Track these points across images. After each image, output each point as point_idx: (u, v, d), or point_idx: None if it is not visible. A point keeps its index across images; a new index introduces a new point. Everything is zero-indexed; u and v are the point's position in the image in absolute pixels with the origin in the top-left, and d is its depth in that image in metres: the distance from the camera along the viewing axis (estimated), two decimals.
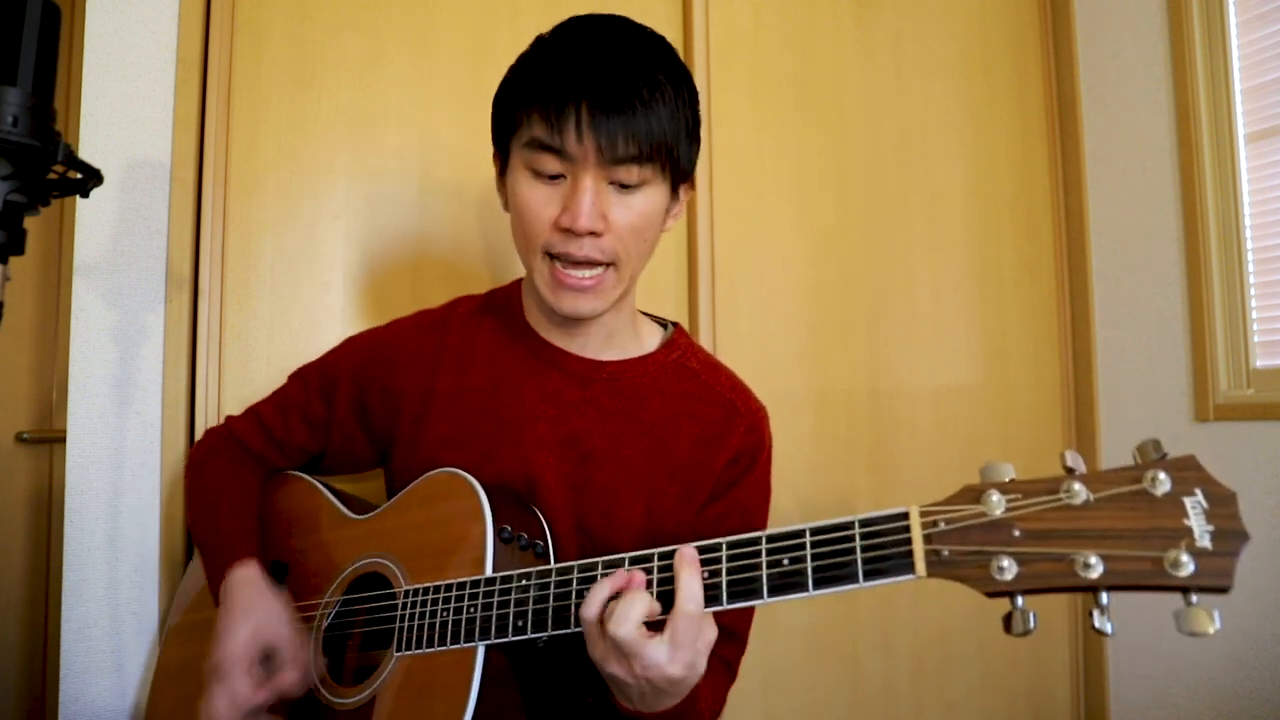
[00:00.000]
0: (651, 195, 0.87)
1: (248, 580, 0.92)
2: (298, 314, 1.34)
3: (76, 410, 1.21)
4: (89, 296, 1.22)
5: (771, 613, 1.55)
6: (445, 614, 0.83)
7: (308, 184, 1.35)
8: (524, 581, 0.79)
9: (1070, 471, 0.60)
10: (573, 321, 0.95)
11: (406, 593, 0.87)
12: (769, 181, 1.63)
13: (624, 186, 0.85)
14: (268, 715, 0.86)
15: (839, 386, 1.65)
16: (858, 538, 0.66)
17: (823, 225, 1.67)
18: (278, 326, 1.32)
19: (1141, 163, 1.76)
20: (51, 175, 0.70)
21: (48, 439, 1.92)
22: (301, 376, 1.08)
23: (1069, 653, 1.82)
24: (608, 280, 0.88)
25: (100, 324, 1.23)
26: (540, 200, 0.86)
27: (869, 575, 0.64)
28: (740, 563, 0.70)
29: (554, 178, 0.86)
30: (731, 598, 0.69)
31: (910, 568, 0.62)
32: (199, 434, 1.26)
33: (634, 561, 0.75)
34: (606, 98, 0.81)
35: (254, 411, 1.08)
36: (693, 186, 0.97)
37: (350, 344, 1.07)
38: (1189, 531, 0.55)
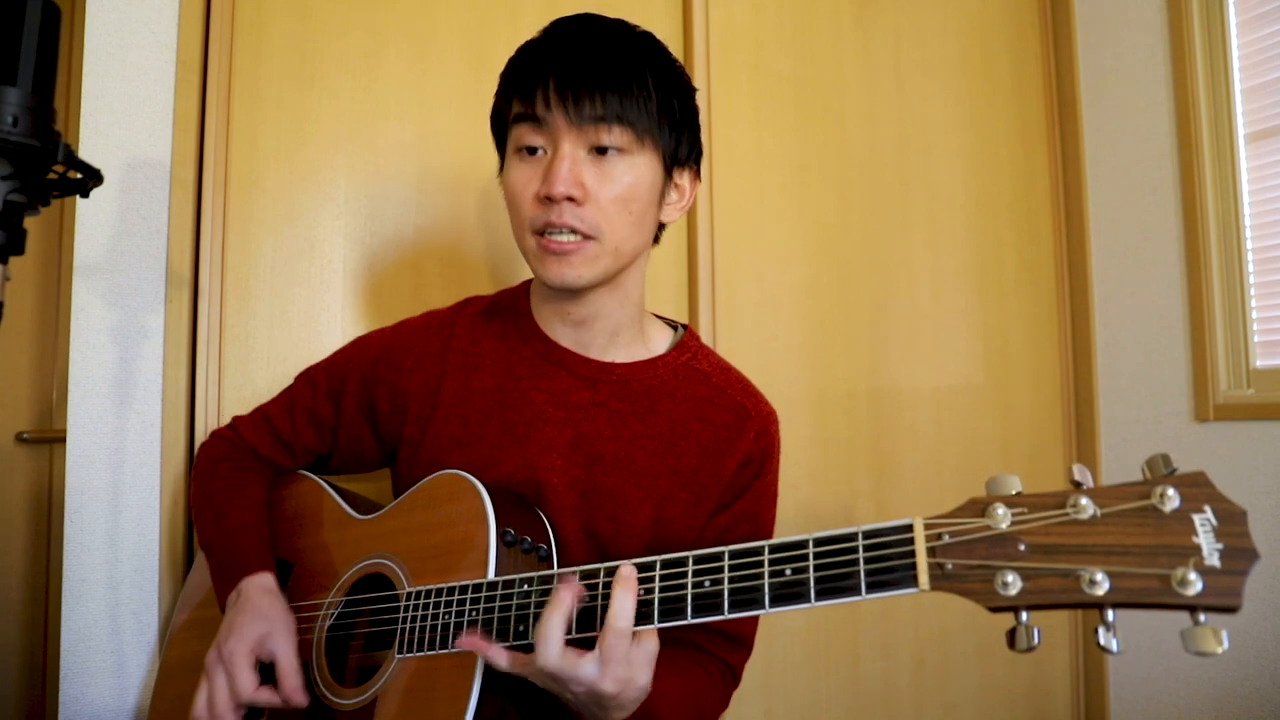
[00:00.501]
0: (634, 166, 0.88)
1: (264, 589, 0.92)
2: (298, 314, 1.33)
3: (76, 410, 1.20)
4: (89, 296, 1.22)
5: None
6: (447, 617, 0.83)
7: (308, 183, 1.35)
8: (525, 586, 0.79)
9: (1077, 486, 0.59)
10: (577, 315, 0.95)
11: (409, 595, 0.87)
12: (769, 181, 1.63)
13: (601, 151, 0.86)
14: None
15: (839, 387, 1.65)
16: (861, 549, 0.65)
17: (823, 225, 1.67)
18: (278, 326, 1.32)
19: (1141, 163, 1.76)
20: (51, 175, 0.70)
21: (48, 439, 1.92)
22: (309, 377, 1.08)
23: (1069, 653, 1.82)
24: (590, 249, 0.88)
25: (100, 324, 1.23)
26: (524, 178, 0.89)
27: (871, 588, 0.63)
28: (743, 572, 0.69)
29: (534, 151, 0.88)
30: (733, 607, 0.69)
31: (913, 581, 0.61)
32: (199, 434, 1.26)
33: (631, 569, 0.74)
34: (575, 65, 0.86)
35: (262, 412, 1.09)
36: (697, 178, 0.97)
37: (358, 345, 1.07)
38: (1197, 549, 0.54)
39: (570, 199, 0.85)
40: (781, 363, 1.61)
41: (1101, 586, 0.55)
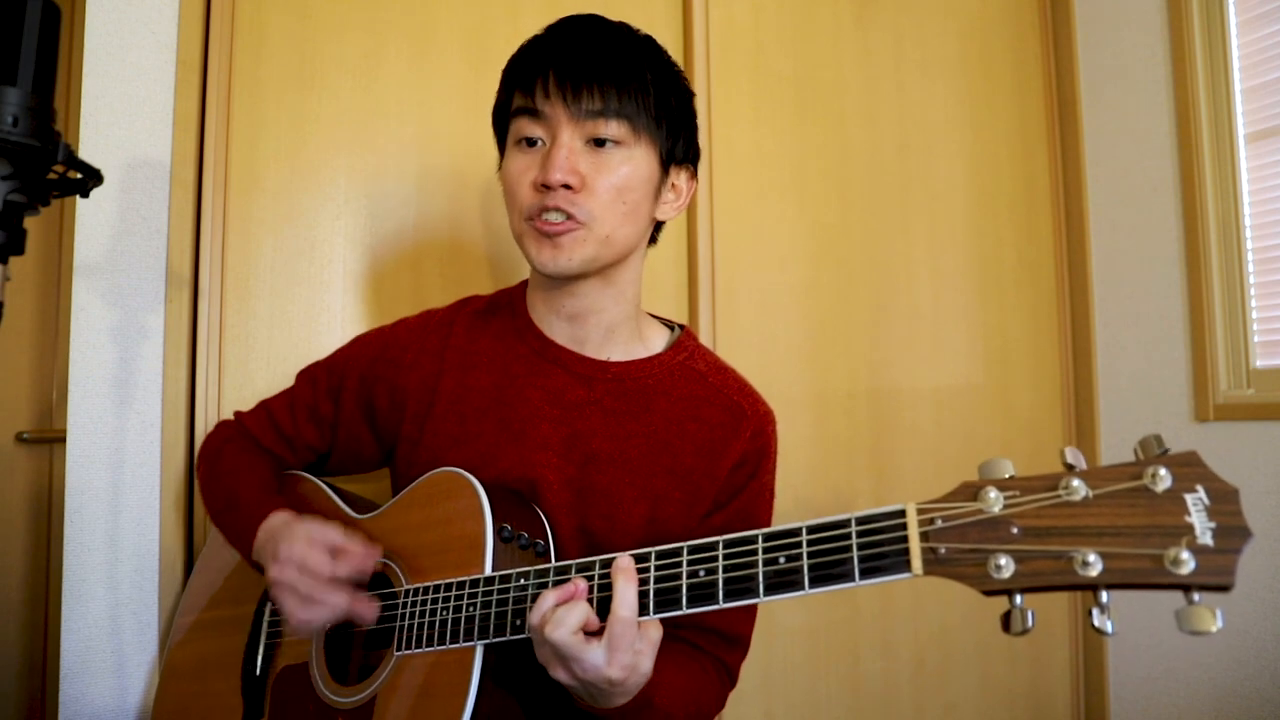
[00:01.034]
0: (630, 159, 0.89)
1: (289, 519, 0.93)
2: (298, 314, 1.34)
3: (76, 410, 1.21)
4: (89, 296, 1.22)
5: (771, 612, 1.55)
6: (444, 613, 0.83)
7: (308, 183, 1.35)
8: (522, 581, 0.80)
9: (1070, 468, 0.59)
10: (571, 309, 0.96)
11: (406, 592, 0.88)
12: (769, 181, 1.63)
13: (599, 143, 0.88)
14: (349, 592, 0.86)
15: (839, 386, 1.65)
16: (854, 535, 0.65)
17: (823, 225, 1.67)
18: (278, 326, 1.32)
19: (1141, 163, 1.76)
20: (51, 175, 0.70)
21: (48, 439, 1.92)
22: (309, 375, 1.09)
23: (1069, 653, 1.82)
24: (579, 233, 0.88)
25: (100, 324, 1.23)
26: (521, 166, 0.90)
27: (865, 574, 0.64)
28: (737, 561, 0.70)
29: (533, 143, 0.89)
30: (728, 596, 0.69)
31: (906, 566, 0.62)
32: (199, 434, 1.26)
33: (629, 559, 0.76)
34: (576, 59, 0.88)
35: (264, 407, 1.09)
36: (694, 177, 0.98)
37: (357, 343, 1.08)
38: (1190, 529, 0.54)
39: (566, 186, 0.86)
40: (781, 363, 1.61)
41: (1094, 568, 0.55)
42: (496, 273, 1.45)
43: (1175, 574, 0.53)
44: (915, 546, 0.62)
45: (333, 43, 1.37)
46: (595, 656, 0.72)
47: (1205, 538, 0.54)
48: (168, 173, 1.27)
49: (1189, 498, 0.55)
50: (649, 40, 0.94)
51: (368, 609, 0.87)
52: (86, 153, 1.21)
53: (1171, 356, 1.70)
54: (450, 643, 0.81)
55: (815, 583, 0.66)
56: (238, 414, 1.11)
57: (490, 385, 0.98)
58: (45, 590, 1.89)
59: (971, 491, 0.61)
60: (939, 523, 0.61)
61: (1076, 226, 1.87)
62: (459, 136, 1.42)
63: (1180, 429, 1.67)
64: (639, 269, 0.99)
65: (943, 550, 0.60)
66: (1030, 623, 0.58)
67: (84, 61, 1.23)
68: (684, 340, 1.02)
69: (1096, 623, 0.56)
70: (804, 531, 0.68)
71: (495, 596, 0.80)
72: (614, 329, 0.98)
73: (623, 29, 0.93)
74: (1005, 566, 0.58)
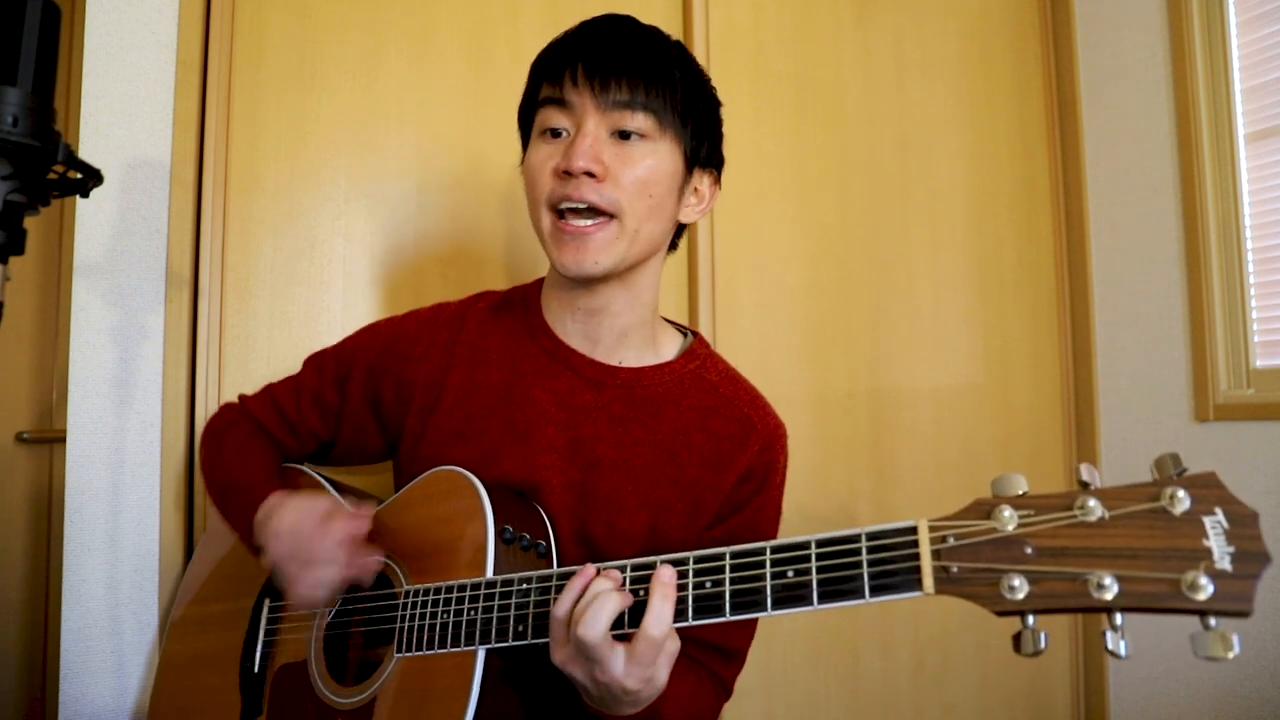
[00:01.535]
0: (655, 152, 0.88)
1: (285, 496, 0.94)
2: (298, 314, 1.34)
3: (76, 410, 1.20)
4: (89, 296, 1.22)
5: None
6: (445, 615, 0.82)
7: (308, 183, 1.35)
8: (524, 585, 0.79)
9: (1085, 486, 0.58)
10: (587, 307, 0.94)
11: (407, 593, 0.87)
12: (769, 181, 1.63)
13: (624, 135, 0.87)
14: (347, 550, 0.88)
15: (839, 386, 1.65)
16: (864, 551, 0.63)
17: (823, 225, 1.67)
18: (278, 326, 1.32)
19: (1141, 163, 1.76)
20: (51, 175, 0.70)
21: (48, 439, 1.92)
22: (317, 362, 1.07)
23: (1069, 652, 1.82)
24: (609, 231, 0.87)
25: (100, 324, 1.23)
26: (545, 155, 0.89)
27: (875, 591, 0.62)
28: (744, 573, 0.69)
29: (558, 134, 0.89)
30: (735, 609, 0.68)
31: (918, 584, 0.60)
32: (199, 434, 1.26)
33: (671, 573, 0.73)
34: (605, 51, 0.88)
35: (269, 392, 1.08)
36: (718, 184, 0.98)
37: (367, 332, 1.07)
38: (1208, 553, 0.53)
39: (589, 174, 0.85)
40: (781, 363, 1.61)
41: (1110, 590, 0.54)
42: (497, 273, 1.44)
43: (1192, 599, 0.52)
44: (927, 565, 0.60)
45: (333, 43, 1.37)
46: (616, 664, 0.71)
47: (1224, 562, 0.53)
48: (168, 173, 1.27)
49: (1207, 520, 0.54)
50: (680, 45, 0.94)
51: (368, 564, 0.88)
52: (86, 153, 1.21)
53: (1171, 356, 1.70)
54: (451, 646, 0.81)
55: (824, 598, 0.64)
56: (242, 397, 1.10)
57: (499, 383, 0.97)
58: (45, 590, 1.89)
59: (985, 509, 0.60)
60: (951, 540, 0.60)
61: (1076, 226, 1.87)
62: (459, 136, 1.42)
63: (1180, 429, 1.67)
64: (657, 274, 0.98)
65: (955, 569, 0.59)
66: (1043, 644, 0.56)
67: (84, 61, 1.23)
68: (696, 348, 1.00)
69: (1110, 645, 0.54)
70: (813, 545, 0.66)
71: (497, 601, 0.79)
72: (627, 333, 0.96)
73: (655, 31, 0.94)
74: (1019, 587, 0.56)
